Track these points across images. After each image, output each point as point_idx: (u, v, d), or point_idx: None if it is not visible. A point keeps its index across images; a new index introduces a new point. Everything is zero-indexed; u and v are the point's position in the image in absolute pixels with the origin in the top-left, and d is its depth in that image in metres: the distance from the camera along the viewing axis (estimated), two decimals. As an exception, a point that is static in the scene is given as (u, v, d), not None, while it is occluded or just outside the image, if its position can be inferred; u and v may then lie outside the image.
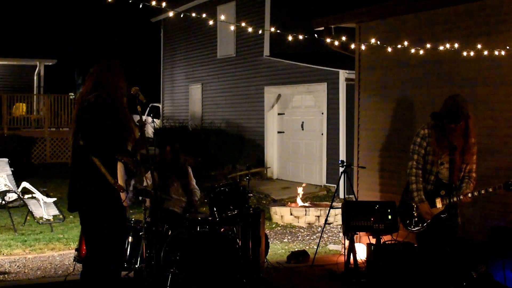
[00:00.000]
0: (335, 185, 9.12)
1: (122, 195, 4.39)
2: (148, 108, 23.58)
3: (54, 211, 10.11)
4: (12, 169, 11.16)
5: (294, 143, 15.07)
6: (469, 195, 5.25)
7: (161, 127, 19.80)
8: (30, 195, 10.43)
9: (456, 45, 6.04)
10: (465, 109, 5.21)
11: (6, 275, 6.99)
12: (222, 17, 5.80)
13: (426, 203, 5.29)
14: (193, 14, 5.27)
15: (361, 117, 7.88)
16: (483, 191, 5.22)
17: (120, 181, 4.38)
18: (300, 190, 11.24)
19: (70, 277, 6.27)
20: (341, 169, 7.77)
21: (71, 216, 10.85)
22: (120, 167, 4.38)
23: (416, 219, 5.42)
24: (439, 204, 5.32)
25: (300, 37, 5.49)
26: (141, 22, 24.05)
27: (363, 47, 7.20)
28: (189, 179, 7.05)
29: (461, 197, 5.25)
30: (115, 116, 4.42)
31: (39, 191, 10.43)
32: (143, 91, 4.78)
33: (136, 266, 5.81)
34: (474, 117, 5.35)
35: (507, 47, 5.85)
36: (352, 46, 7.48)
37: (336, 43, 6.64)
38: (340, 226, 9.97)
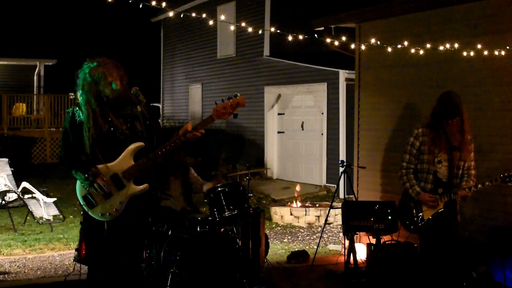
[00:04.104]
0: (335, 185, 9.12)
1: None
2: (148, 108, 23.54)
3: (54, 211, 10.11)
4: (12, 169, 11.16)
5: (294, 143, 15.08)
6: (467, 189, 5.26)
7: (161, 127, 19.78)
8: (30, 195, 10.43)
9: (456, 45, 6.04)
10: (460, 104, 5.25)
11: (6, 275, 6.98)
12: (222, 17, 5.81)
13: (423, 193, 5.35)
14: (193, 14, 5.27)
15: (361, 117, 7.88)
16: (480, 185, 5.25)
17: (79, 197, 4.31)
18: (297, 188, 11.38)
19: (70, 277, 6.27)
20: (341, 169, 7.77)
21: (71, 216, 10.87)
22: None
23: (416, 218, 5.43)
24: (437, 202, 5.33)
25: (300, 37, 5.50)
26: (141, 22, 24.05)
27: (363, 47, 7.20)
28: (190, 179, 7.02)
29: (459, 192, 5.26)
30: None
31: (39, 191, 10.43)
32: (143, 91, 4.77)
33: (138, 272, 5.80)
34: (467, 112, 5.37)
35: (507, 47, 5.85)
36: (352, 46, 7.48)
37: (336, 43, 6.63)
38: (340, 226, 9.97)
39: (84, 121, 4.22)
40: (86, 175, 4.15)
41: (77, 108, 4.30)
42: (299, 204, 11.13)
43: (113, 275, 4.30)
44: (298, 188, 11.48)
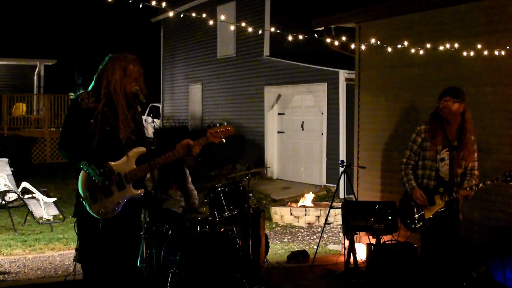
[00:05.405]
0: (335, 185, 9.12)
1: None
2: (148, 108, 23.57)
3: (54, 211, 10.11)
4: (12, 169, 11.16)
5: (294, 143, 15.07)
6: (468, 188, 5.26)
7: (161, 127, 19.80)
8: (30, 195, 10.43)
9: (456, 45, 6.04)
10: (463, 93, 5.27)
11: (6, 275, 6.99)
12: (222, 17, 5.82)
13: (417, 189, 5.37)
14: (193, 14, 5.27)
15: (361, 117, 7.88)
16: (481, 185, 5.25)
17: (82, 190, 4.15)
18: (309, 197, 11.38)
19: (70, 277, 6.27)
20: (341, 169, 7.77)
21: (71, 216, 10.85)
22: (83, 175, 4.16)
23: (416, 217, 5.42)
24: (438, 201, 5.33)
25: (300, 37, 5.50)
26: (141, 22, 24.05)
27: (363, 47, 7.20)
28: (186, 180, 7.03)
29: (461, 191, 5.25)
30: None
31: (39, 191, 10.43)
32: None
33: (136, 266, 5.80)
34: (471, 113, 5.37)
35: (507, 47, 5.85)
36: (352, 46, 7.48)
37: (336, 43, 6.64)
38: (340, 226, 9.96)
39: (98, 107, 4.13)
40: (102, 170, 4.06)
41: (86, 95, 4.22)
42: (308, 202, 11.12)
43: (108, 270, 4.25)
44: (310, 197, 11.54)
